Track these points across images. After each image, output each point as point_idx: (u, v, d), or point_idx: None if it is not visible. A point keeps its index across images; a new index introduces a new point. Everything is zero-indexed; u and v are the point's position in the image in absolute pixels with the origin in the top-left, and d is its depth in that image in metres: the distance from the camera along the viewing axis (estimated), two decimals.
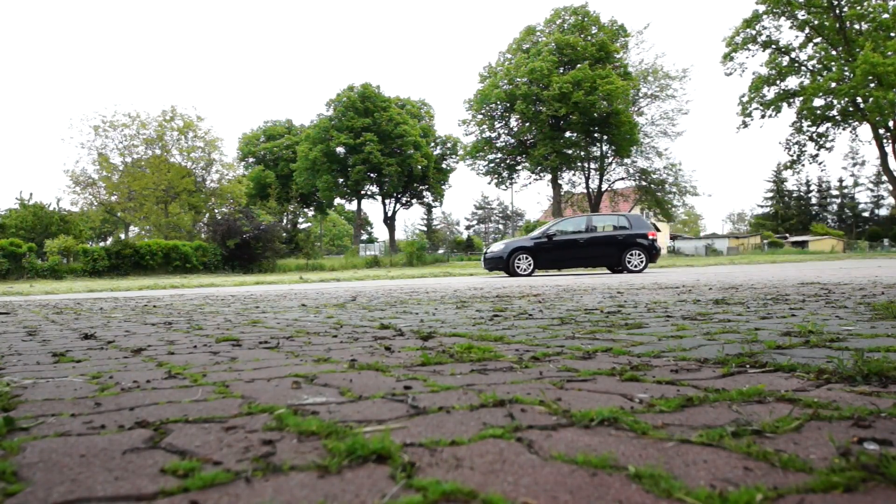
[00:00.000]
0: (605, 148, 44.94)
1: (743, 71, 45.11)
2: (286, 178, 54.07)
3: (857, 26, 38.36)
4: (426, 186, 56.45)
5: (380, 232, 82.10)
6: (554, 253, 15.32)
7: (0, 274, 23.32)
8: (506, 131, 46.17)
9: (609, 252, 15.34)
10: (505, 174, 47.02)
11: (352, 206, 61.91)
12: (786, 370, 1.59)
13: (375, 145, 50.21)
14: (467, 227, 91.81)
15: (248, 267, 29.73)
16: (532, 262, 15.03)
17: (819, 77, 39.06)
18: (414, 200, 58.26)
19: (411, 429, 1.11)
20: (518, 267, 15.06)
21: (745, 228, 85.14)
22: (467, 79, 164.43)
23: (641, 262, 15.24)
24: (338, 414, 1.24)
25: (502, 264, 15.23)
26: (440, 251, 57.57)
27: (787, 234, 64.87)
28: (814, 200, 75.95)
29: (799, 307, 3.61)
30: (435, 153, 56.14)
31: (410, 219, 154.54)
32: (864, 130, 64.24)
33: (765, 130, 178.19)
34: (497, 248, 15.81)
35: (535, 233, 16.03)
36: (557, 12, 44.98)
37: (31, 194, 43.54)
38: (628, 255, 15.20)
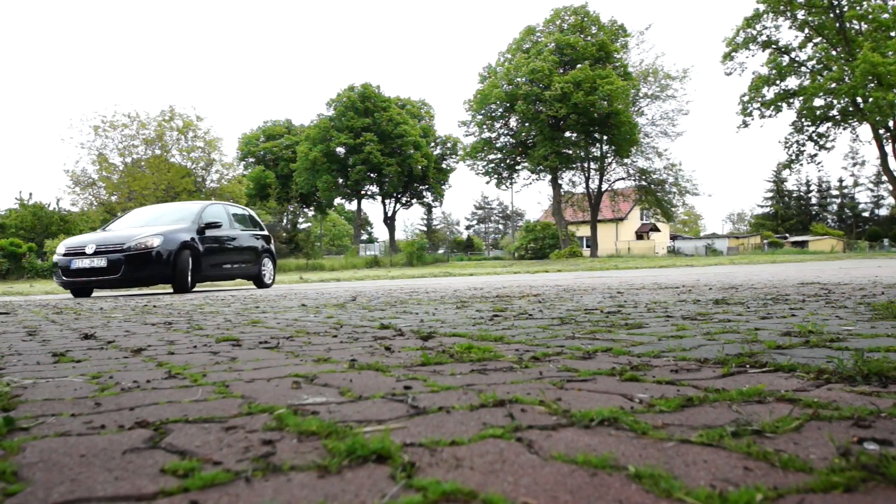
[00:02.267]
0: (604, 148, 44.95)
1: (743, 71, 45.28)
2: (286, 178, 54.08)
3: (857, 26, 38.35)
4: (426, 186, 56.47)
5: (380, 232, 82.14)
6: (214, 256, 10.70)
7: (0, 274, 23.32)
8: (506, 131, 46.17)
9: (250, 259, 11.73)
10: (505, 174, 47.04)
11: (352, 206, 61.94)
12: (786, 370, 1.59)
13: (375, 145, 50.22)
14: (467, 227, 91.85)
15: None
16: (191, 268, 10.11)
17: (819, 77, 39.06)
18: (414, 200, 58.28)
19: (411, 429, 1.11)
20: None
21: (745, 228, 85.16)
22: (467, 79, 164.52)
23: (272, 273, 12.35)
24: (338, 414, 1.24)
25: (157, 270, 9.40)
26: (440, 251, 57.66)
27: (787, 234, 64.89)
28: (814, 200, 75.96)
29: (799, 307, 3.61)
30: (435, 153, 56.15)
31: (410, 219, 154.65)
32: (864, 130, 64.30)
33: (765, 130, 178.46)
34: (126, 237, 9.62)
35: (180, 223, 10.42)
36: (557, 12, 44.99)
37: (30, 194, 43.49)
38: (263, 264, 12.05)
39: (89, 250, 9.53)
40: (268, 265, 12.15)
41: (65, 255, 9.67)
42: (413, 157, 51.86)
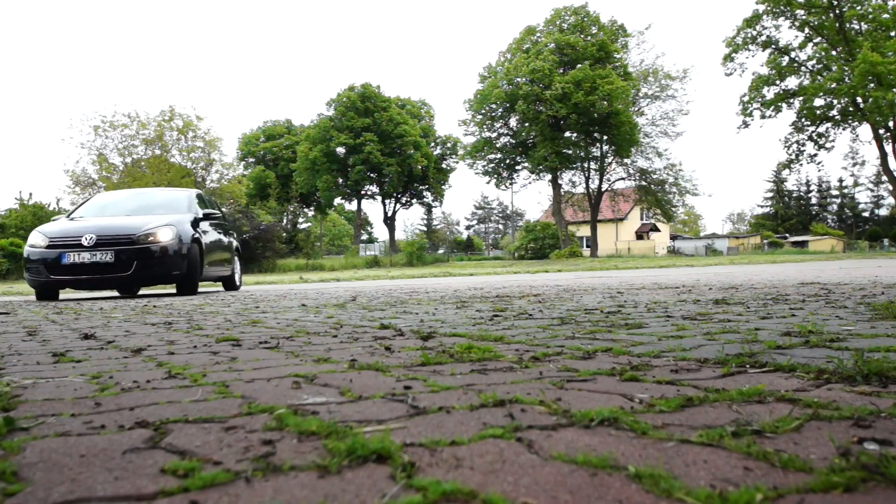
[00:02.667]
0: (605, 148, 44.95)
1: (743, 71, 45.26)
2: (286, 178, 54.09)
3: (856, 26, 38.36)
4: (426, 186, 56.51)
5: (380, 232, 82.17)
6: (210, 254, 9.33)
7: (0, 274, 23.31)
8: (506, 131, 46.19)
9: (228, 258, 10.27)
10: (505, 174, 47.05)
11: (352, 206, 61.97)
12: (786, 370, 1.59)
13: (375, 145, 50.24)
14: (467, 227, 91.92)
15: (247, 267, 29.76)
16: None
17: (819, 77, 39.07)
18: (414, 200, 58.32)
19: (411, 429, 1.11)
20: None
21: (745, 228, 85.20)
22: (467, 79, 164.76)
23: (240, 274, 11.01)
24: (338, 414, 1.24)
25: (171, 267, 8.15)
26: (440, 251, 57.70)
27: (787, 234, 64.89)
28: (814, 200, 76.00)
29: (799, 307, 3.61)
30: (435, 153, 56.19)
31: (410, 219, 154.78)
32: (864, 130, 64.38)
33: (765, 130, 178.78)
34: (134, 225, 8.21)
35: (172, 211, 8.97)
36: (558, 12, 45.00)
37: (30, 194, 43.45)
38: (235, 263, 10.62)
39: (87, 241, 7.90)
40: (237, 264, 10.78)
41: (49, 246, 7.98)
42: (413, 157, 51.88)
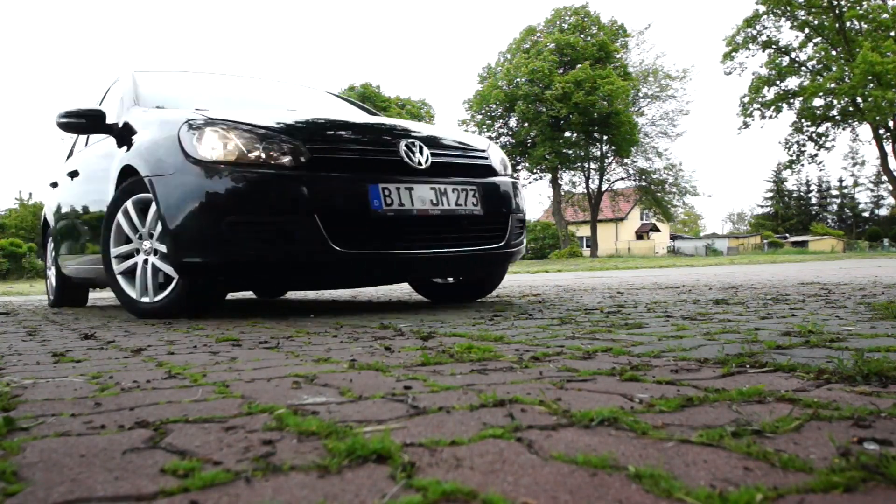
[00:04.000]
0: (605, 148, 44.97)
1: (743, 70, 45.35)
2: None
3: (856, 26, 38.39)
4: None
5: None
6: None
7: (0, 274, 23.33)
8: (505, 131, 46.20)
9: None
10: None
11: None
12: (786, 370, 1.59)
13: None
14: None
15: None
16: None
17: (819, 77, 39.09)
18: None
19: (411, 429, 1.11)
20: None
21: (745, 228, 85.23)
22: (467, 79, 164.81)
23: None
24: (338, 414, 1.24)
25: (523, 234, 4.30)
26: None
27: (787, 234, 64.88)
28: (814, 200, 76.03)
29: (799, 307, 3.61)
30: None
31: None
32: (864, 130, 64.40)
33: (765, 131, 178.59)
34: (466, 141, 4.17)
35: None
36: (558, 12, 45.03)
37: (30, 194, 43.39)
38: None
39: (416, 157, 3.62)
40: None
41: (316, 163, 3.39)
42: None
